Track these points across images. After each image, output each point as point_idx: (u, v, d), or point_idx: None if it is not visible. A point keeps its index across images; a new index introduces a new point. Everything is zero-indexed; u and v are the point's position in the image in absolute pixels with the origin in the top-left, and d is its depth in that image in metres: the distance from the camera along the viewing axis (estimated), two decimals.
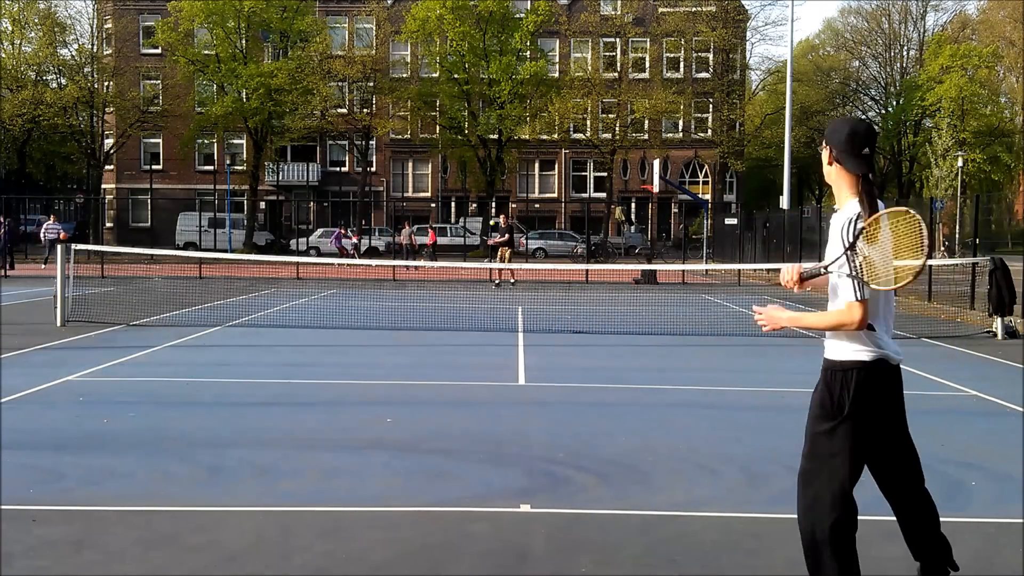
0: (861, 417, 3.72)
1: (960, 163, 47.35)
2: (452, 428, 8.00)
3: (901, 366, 3.87)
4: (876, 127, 68.08)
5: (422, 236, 43.89)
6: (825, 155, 3.78)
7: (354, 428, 7.96)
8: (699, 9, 53.32)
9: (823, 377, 3.82)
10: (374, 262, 32.91)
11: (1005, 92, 68.00)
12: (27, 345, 12.61)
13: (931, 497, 4.01)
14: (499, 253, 27.93)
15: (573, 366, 11.81)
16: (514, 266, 26.55)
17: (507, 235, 27.82)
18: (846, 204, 3.73)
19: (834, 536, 3.77)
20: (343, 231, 42.89)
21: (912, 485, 3.96)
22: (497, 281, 27.60)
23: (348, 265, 32.81)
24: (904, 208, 3.72)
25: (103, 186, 55.23)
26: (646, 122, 52.27)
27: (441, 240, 44.12)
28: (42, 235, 34.64)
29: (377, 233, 48.77)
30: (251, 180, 50.20)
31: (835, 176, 3.76)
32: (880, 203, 3.67)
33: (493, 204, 48.75)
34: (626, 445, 7.36)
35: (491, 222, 28.67)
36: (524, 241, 40.82)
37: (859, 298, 3.65)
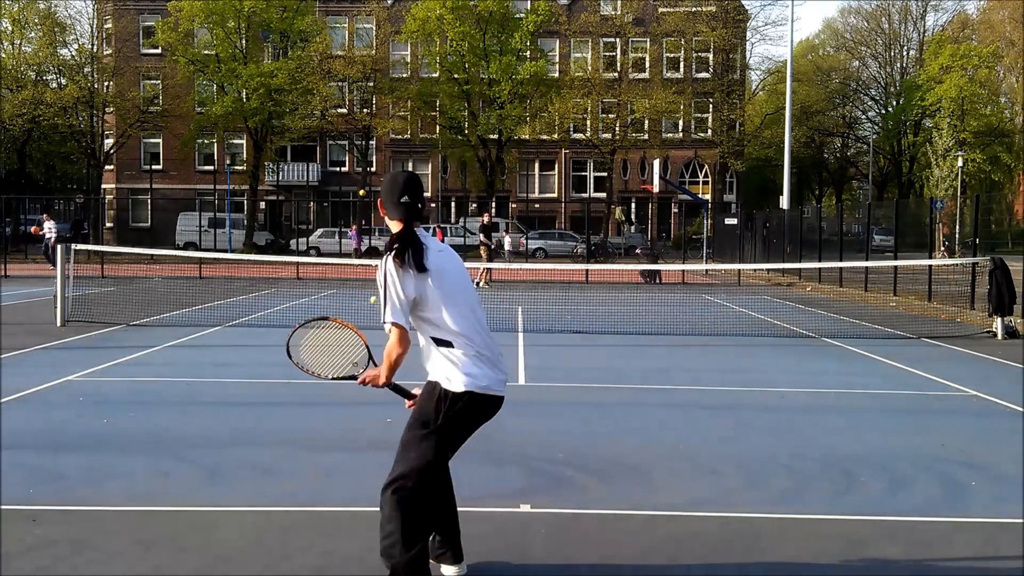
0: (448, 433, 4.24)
1: (960, 163, 47.34)
2: None
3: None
4: (876, 127, 67.47)
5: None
6: (380, 207, 4.27)
7: (354, 428, 7.96)
8: (699, 9, 53.33)
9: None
10: (374, 262, 32.87)
11: (1005, 92, 68.02)
12: (27, 345, 12.61)
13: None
14: (482, 253, 27.85)
15: (573, 366, 11.81)
16: (493, 265, 26.31)
17: (487, 234, 27.49)
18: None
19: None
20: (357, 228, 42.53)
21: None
22: (479, 282, 27.26)
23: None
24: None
25: (103, 186, 55.23)
26: (646, 122, 52.28)
27: None
28: (48, 235, 34.45)
29: (378, 233, 48.76)
30: (251, 180, 50.20)
31: (388, 224, 4.25)
32: (417, 248, 4.10)
33: (493, 204, 48.78)
34: (626, 445, 7.36)
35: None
36: (524, 241, 40.80)
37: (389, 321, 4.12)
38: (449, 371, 4.18)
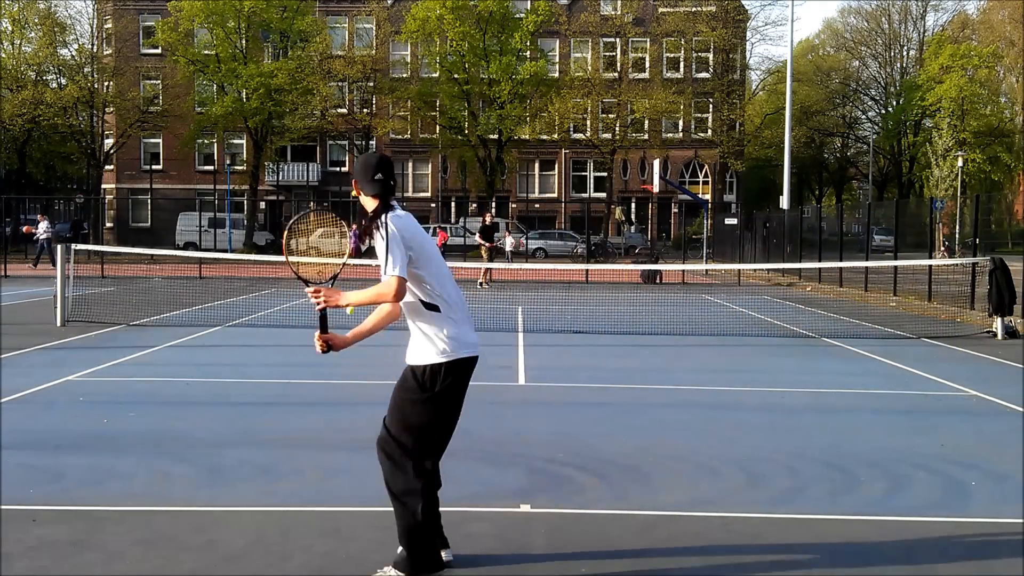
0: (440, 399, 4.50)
1: (960, 163, 47.32)
2: None
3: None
4: (876, 127, 67.38)
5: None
6: (353, 190, 4.58)
7: (354, 428, 7.95)
8: (699, 9, 53.34)
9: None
10: (374, 262, 32.86)
11: (1005, 92, 67.99)
12: (27, 345, 12.61)
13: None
14: (483, 253, 27.58)
15: (573, 366, 11.81)
16: (494, 266, 26.21)
17: (487, 235, 27.16)
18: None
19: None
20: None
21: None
22: (481, 282, 26.84)
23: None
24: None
25: (103, 186, 55.22)
26: (646, 122, 52.28)
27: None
28: (40, 235, 34.36)
29: None
30: (251, 180, 50.21)
31: (364, 202, 4.53)
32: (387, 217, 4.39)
33: (493, 204, 48.80)
34: (626, 445, 7.36)
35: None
36: (523, 241, 40.76)
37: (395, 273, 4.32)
38: (436, 341, 4.43)
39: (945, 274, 21.19)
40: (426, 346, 4.44)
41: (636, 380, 10.77)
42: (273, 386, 10.02)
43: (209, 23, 47.53)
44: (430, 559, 4.54)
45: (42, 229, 34.09)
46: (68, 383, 9.82)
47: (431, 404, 4.47)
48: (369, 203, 4.49)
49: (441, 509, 5.64)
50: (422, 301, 4.42)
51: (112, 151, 53.62)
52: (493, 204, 48.58)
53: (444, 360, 4.41)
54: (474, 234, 47.90)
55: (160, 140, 57.56)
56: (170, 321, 16.20)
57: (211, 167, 56.45)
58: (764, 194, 72.23)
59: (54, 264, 31.82)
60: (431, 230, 47.01)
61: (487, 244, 27.08)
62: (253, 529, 5.25)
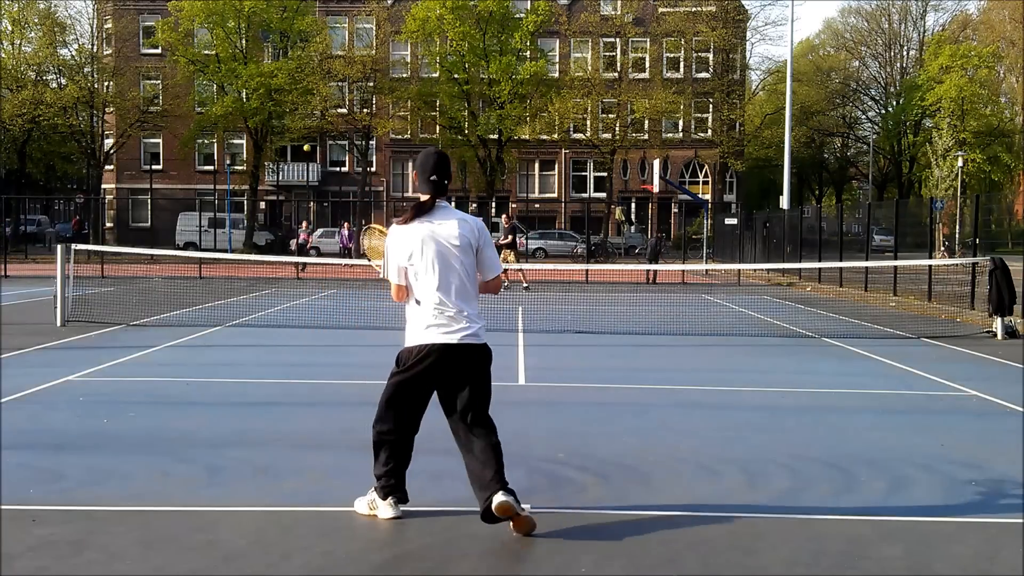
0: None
1: (960, 163, 47.30)
2: None
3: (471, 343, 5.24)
4: (876, 127, 67.37)
5: None
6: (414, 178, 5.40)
7: (354, 428, 7.93)
8: (699, 9, 53.33)
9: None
10: (375, 262, 32.84)
11: (1005, 92, 67.98)
12: (27, 345, 12.61)
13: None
14: (502, 255, 26.99)
15: (573, 366, 11.81)
16: (525, 266, 26.20)
17: (509, 235, 26.91)
18: None
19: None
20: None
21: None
22: (526, 284, 25.99)
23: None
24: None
25: (103, 186, 55.21)
26: (646, 122, 52.27)
27: None
28: None
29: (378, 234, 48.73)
30: (251, 180, 50.20)
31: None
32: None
33: (493, 204, 48.78)
34: (626, 445, 7.36)
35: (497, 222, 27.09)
36: (524, 241, 40.76)
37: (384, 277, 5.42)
38: (410, 328, 5.27)
39: (945, 274, 21.20)
40: (407, 331, 5.33)
41: (636, 380, 10.77)
42: (273, 386, 10.02)
43: (209, 23, 47.52)
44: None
45: None
46: (68, 383, 9.82)
47: (395, 379, 5.30)
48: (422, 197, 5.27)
49: (441, 509, 5.67)
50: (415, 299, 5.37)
51: (112, 151, 53.60)
52: (493, 204, 48.58)
53: (414, 344, 5.24)
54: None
55: (160, 140, 57.55)
56: (170, 321, 16.20)
57: (211, 167, 56.45)
58: (764, 194, 72.21)
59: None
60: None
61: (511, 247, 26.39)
62: (253, 529, 5.25)
